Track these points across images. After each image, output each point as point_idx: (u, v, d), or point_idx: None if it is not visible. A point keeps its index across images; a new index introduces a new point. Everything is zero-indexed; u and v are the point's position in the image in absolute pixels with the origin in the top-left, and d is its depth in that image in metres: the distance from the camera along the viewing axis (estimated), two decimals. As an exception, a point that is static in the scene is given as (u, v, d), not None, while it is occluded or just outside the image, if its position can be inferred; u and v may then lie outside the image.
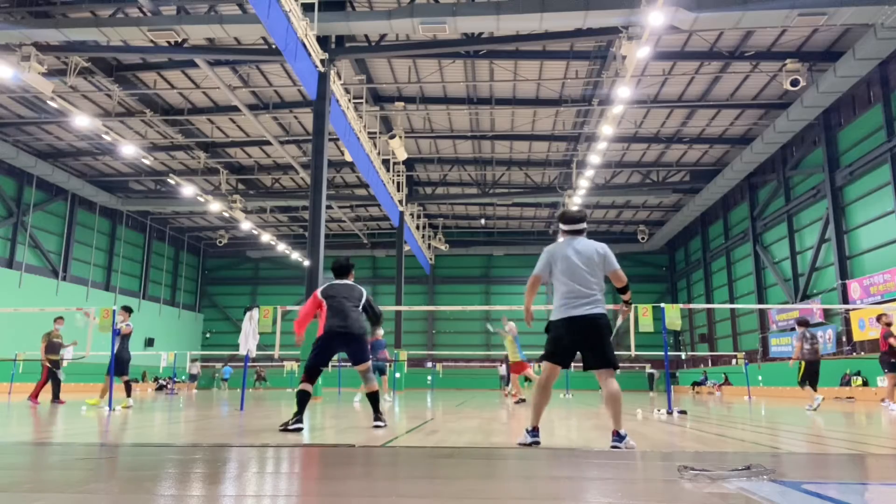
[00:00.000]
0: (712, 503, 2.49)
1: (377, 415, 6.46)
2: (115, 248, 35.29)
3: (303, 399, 6.17)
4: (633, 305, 5.07)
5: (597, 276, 4.74)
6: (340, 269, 6.91)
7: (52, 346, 13.14)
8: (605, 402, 4.68)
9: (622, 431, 4.55)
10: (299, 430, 5.89)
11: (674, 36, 19.10)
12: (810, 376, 12.06)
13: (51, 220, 30.84)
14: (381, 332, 14.83)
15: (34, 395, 12.86)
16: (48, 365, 13.02)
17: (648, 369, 34.43)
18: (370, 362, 6.57)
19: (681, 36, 19.30)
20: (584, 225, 4.99)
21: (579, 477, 3.23)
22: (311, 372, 6.35)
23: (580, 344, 4.66)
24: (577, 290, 4.67)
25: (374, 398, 6.54)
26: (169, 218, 39.47)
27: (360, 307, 6.60)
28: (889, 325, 12.16)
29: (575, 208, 5.23)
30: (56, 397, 12.89)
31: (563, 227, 4.99)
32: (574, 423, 7.26)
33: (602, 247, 4.83)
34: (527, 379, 14.75)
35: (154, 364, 30.54)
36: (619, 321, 5.44)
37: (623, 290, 4.94)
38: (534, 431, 4.73)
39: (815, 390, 11.98)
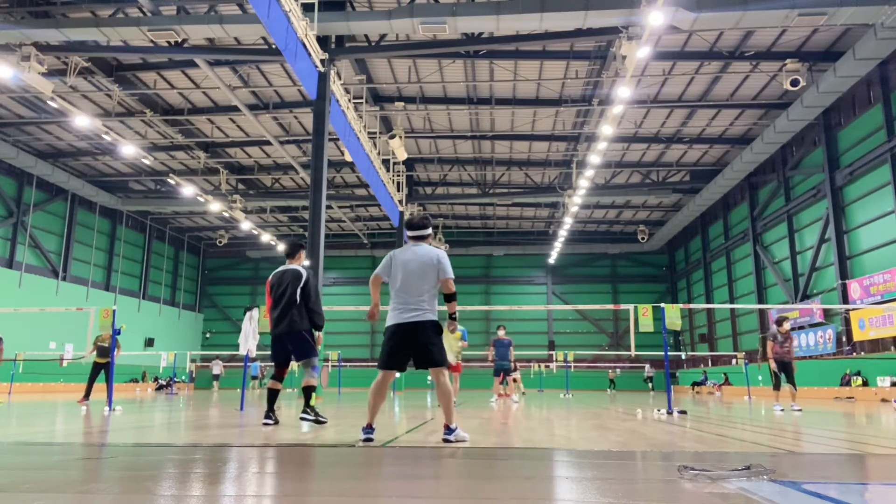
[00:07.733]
0: (712, 503, 2.49)
1: (305, 408, 6.62)
2: (115, 248, 35.27)
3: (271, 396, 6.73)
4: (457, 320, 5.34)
5: (430, 283, 5.01)
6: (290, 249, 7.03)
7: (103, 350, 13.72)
8: (437, 397, 5.05)
9: (453, 425, 4.93)
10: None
11: (674, 36, 19.10)
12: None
13: (51, 220, 30.83)
14: (502, 332, 15.44)
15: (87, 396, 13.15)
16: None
17: (610, 374, 34.25)
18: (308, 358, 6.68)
19: (681, 36, 19.30)
20: (428, 231, 5.24)
21: (579, 477, 3.23)
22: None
23: (408, 347, 4.97)
24: (406, 298, 4.99)
25: (307, 392, 6.71)
26: (169, 218, 39.45)
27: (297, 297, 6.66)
28: None
29: (418, 215, 5.61)
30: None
31: (407, 233, 5.28)
32: (574, 423, 7.26)
33: (439, 254, 5.06)
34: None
35: (154, 364, 30.55)
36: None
37: (450, 298, 5.13)
38: (368, 428, 4.94)
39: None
